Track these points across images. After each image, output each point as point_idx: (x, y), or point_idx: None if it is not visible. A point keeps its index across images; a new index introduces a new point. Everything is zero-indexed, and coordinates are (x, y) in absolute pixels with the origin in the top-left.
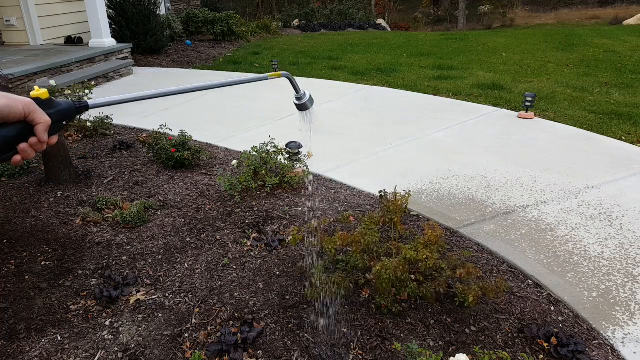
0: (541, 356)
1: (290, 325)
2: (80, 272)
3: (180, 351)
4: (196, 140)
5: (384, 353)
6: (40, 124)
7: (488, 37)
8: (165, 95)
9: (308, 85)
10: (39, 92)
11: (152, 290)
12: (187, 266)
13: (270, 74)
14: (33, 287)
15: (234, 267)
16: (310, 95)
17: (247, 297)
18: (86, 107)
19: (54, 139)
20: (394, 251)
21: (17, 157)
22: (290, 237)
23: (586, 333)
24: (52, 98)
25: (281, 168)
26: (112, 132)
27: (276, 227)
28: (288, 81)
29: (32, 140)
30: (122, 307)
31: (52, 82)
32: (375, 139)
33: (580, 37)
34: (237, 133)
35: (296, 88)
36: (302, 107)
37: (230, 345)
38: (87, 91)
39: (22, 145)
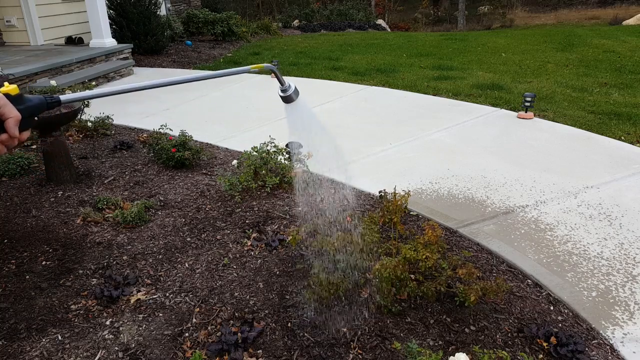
0: (540, 356)
1: (290, 325)
2: (80, 271)
3: (180, 350)
4: (196, 140)
5: (383, 352)
6: (11, 119)
7: (487, 37)
8: (144, 89)
9: (308, 85)
10: (9, 87)
11: (153, 290)
12: (187, 266)
13: (252, 66)
14: (34, 287)
15: (234, 266)
16: (295, 87)
17: (248, 296)
18: (58, 102)
19: (25, 134)
20: (394, 251)
21: None
22: (290, 237)
23: (586, 333)
24: (22, 94)
25: (281, 168)
26: (113, 132)
27: (276, 227)
28: (274, 74)
29: (3, 136)
30: (123, 306)
31: (53, 82)
32: (375, 139)
33: (579, 37)
34: (237, 133)
35: (280, 80)
36: (287, 99)
37: (231, 344)
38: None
39: None
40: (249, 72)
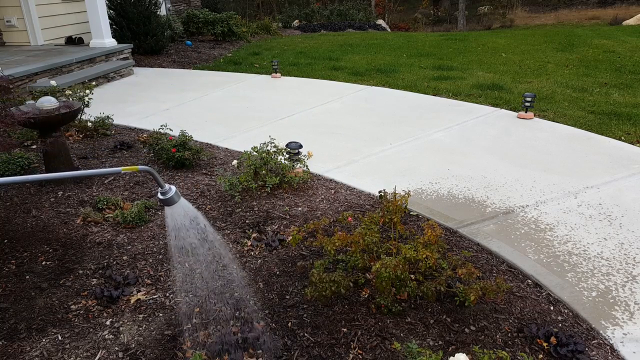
0: (540, 356)
1: (290, 325)
2: (80, 271)
3: (180, 351)
4: (196, 141)
5: (383, 352)
6: None
7: (488, 37)
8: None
9: (308, 85)
10: None
11: (153, 290)
12: (187, 266)
13: (123, 168)
14: (34, 287)
15: (234, 266)
16: (176, 190)
17: (248, 296)
18: None
19: None
20: (394, 251)
21: None
22: (291, 237)
23: (585, 333)
24: None
25: (281, 168)
26: (113, 132)
27: (276, 227)
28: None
29: None
30: (123, 306)
31: (53, 82)
32: (375, 139)
33: (579, 37)
34: (237, 133)
35: (160, 183)
36: (168, 202)
37: (231, 344)
38: (87, 91)
39: None
40: (119, 173)
